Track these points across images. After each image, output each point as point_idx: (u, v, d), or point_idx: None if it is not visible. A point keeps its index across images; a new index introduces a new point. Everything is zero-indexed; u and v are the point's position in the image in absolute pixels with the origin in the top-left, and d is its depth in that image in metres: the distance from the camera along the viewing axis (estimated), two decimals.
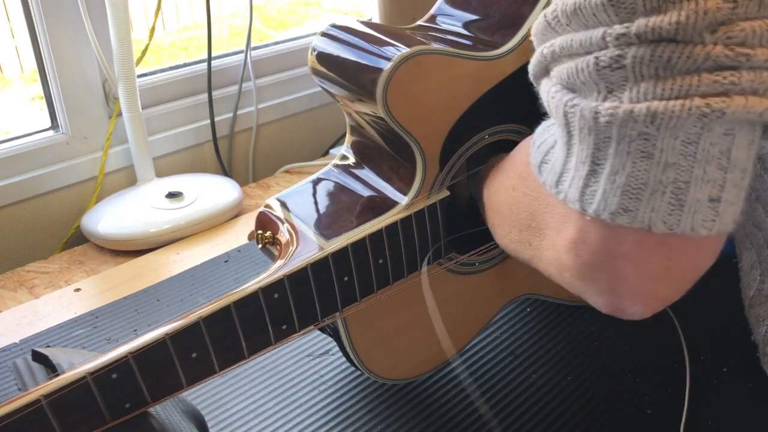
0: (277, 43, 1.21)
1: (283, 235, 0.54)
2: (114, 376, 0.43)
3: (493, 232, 0.52)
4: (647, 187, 0.34)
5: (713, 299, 0.71)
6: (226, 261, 0.83)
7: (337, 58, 0.54)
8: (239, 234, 0.91)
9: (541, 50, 0.38)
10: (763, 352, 0.57)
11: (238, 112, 1.13)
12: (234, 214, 0.96)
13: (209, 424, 0.56)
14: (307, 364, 0.65)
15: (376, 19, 1.00)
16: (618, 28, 0.33)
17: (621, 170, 0.35)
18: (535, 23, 0.39)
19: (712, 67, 0.32)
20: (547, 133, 0.42)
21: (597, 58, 0.34)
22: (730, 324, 0.67)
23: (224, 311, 0.46)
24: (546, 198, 0.42)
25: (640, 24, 0.32)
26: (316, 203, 0.57)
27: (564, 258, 0.40)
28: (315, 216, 0.55)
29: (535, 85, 0.41)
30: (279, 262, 0.50)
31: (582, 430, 0.57)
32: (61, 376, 0.41)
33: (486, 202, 0.53)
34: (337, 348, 0.67)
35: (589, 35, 0.34)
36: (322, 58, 0.55)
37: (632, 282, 0.37)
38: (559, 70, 0.37)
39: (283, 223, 0.55)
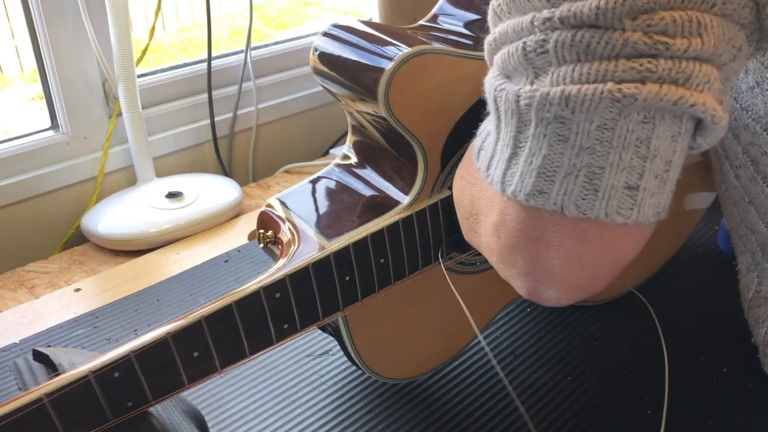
0: (277, 43, 1.21)
1: (285, 235, 0.54)
2: (116, 374, 0.43)
3: (460, 224, 0.53)
4: (561, 169, 0.34)
5: (713, 300, 0.71)
6: (226, 261, 0.83)
7: (339, 57, 0.54)
8: (239, 234, 0.91)
9: (488, 39, 0.38)
10: (764, 353, 0.57)
11: (238, 112, 1.13)
12: (234, 214, 0.96)
13: (209, 424, 0.56)
14: (307, 364, 0.65)
15: (376, 19, 1.00)
16: (545, 13, 0.33)
17: (537, 152, 0.35)
18: (488, 14, 0.39)
19: (630, 54, 0.32)
20: (488, 122, 0.43)
21: (525, 42, 0.34)
22: (729, 324, 0.67)
23: (226, 310, 0.46)
24: (481, 183, 0.42)
25: (563, 9, 0.32)
26: (317, 203, 0.57)
27: (490, 241, 0.40)
28: (316, 215, 0.55)
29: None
30: (280, 262, 0.50)
31: (582, 430, 0.57)
32: (63, 375, 0.41)
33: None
34: (338, 348, 0.67)
35: (521, 21, 0.35)
36: (324, 57, 0.55)
37: (546, 266, 0.37)
38: (497, 58, 0.37)
39: (284, 222, 0.55)
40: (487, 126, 0.43)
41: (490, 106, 0.38)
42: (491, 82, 0.37)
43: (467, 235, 0.48)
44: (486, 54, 0.40)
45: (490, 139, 0.40)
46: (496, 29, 0.37)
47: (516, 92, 0.35)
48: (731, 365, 0.62)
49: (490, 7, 0.38)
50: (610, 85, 0.32)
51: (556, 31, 0.33)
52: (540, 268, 0.37)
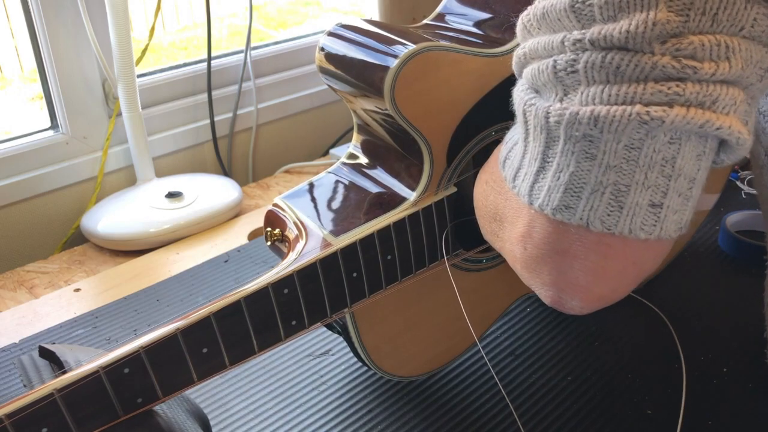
0: (277, 43, 1.21)
1: (292, 232, 0.55)
2: (126, 370, 0.43)
3: (479, 223, 0.53)
4: (588, 186, 0.36)
5: (713, 300, 0.71)
6: (226, 261, 0.83)
7: (345, 56, 0.54)
8: (239, 234, 0.91)
9: (517, 52, 0.40)
10: None
11: (238, 112, 1.13)
12: (234, 214, 0.96)
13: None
14: (307, 364, 0.65)
15: (377, 19, 1.00)
16: (576, 34, 0.34)
17: (565, 168, 0.36)
18: (517, 25, 0.40)
19: (659, 77, 0.32)
20: (514, 131, 0.44)
21: (555, 61, 0.35)
22: (730, 325, 0.68)
23: (235, 306, 0.47)
24: (506, 193, 0.44)
25: (594, 31, 0.33)
26: (324, 201, 0.57)
27: (515, 250, 0.42)
28: (323, 213, 0.55)
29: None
30: (288, 259, 0.51)
31: (582, 430, 0.57)
32: (74, 371, 0.42)
33: (474, 196, 0.54)
34: (338, 348, 0.67)
35: (552, 39, 0.36)
36: (331, 56, 0.56)
37: (571, 277, 0.38)
38: (527, 72, 0.38)
39: (291, 220, 0.56)
40: (513, 135, 0.43)
41: (519, 119, 0.39)
42: (521, 96, 0.38)
43: (488, 237, 0.49)
44: (514, 66, 0.41)
45: (517, 150, 0.41)
46: (526, 44, 0.38)
47: (546, 109, 0.36)
48: (731, 365, 0.62)
49: (520, 19, 0.39)
50: (638, 107, 0.33)
51: (586, 52, 0.34)
52: (565, 280, 0.39)
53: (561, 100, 0.35)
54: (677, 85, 0.32)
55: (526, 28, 0.38)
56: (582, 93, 0.34)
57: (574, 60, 0.34)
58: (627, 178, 0.35)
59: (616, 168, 0.35)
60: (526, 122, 0.38)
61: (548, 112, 0.36)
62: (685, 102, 0.32)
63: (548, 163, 0.37)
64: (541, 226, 0.39)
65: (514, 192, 0.41)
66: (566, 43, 0.35)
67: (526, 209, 0.40)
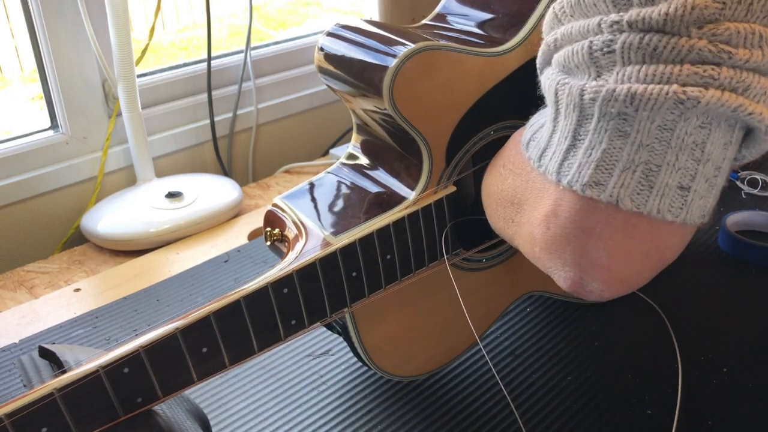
0: (276, 43, 1.21)
1: (291, 232, 0.55)
2: (126, 370, 0.43)
3: (486, 213, 0.53)
4: (619, 163, 0.36)
5: (713, 300, 0.71)
6: (226, 261, 0.83)
7: (345, 55, 0.54)
8: (239, 234, 0.91)
9: (546, 40, 0.40)
10: None
11: (238, 112, 1.13)
12: (234, 214, 0.96)
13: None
14: (307, 364, 0.65)
15: (376, 19, 1.00)
16: (613, 16, 0.35)
17: (598, 145, 0.37)
18: (546, 16, 0.41)
19: (694, 60, 0.33)
20: (539, 115, 0.45)
21: (591, 42, 0.36)
22: (729, 325, 0.68)
23: (234, 306, 0.47)
24: (528, 174, 0.44)
25: (632, 13, 0.34)
26: (323, 200, 0.57)
27: (536, 231, 0.42)
28: (323, 213, 0.55)
29: (539, 75, 0.42)
30: (288, 258, 0.51)
31: (582, 430, 0.57)
32: (74, 371, 0.42)
33: (483, 184, 0.54)
34: (338, 348, 0.67)
35: (587, 22, 0.36)
36: (330, 56, 0.56)
37: (594, 258, 0.39)
38: (558, 56, 0.39)
39: (291, 219, 0.56)
40: (538, 119, 0.44)
41: (549, 99, 0.40)
42: (552, 77, 0.39)
43: (499, 224, 0.49)
44: (540, 56, 0.41)
45: (543, 132, 0.41)
46: (557, 30, 0.39)
47: (581, 87, 0.36)
48: (731, 365, 0.62)
49: (551, 10, 0.40)
50: (675, 87, 0.33)
51: (623, 34, 0.35)
52: (588, 260, 0.39)
53: (595, 80, 0.36)
54: (712, 69, 0.33)
55: (557, 17, 0.39)
56: (618, 73, 0.35)
57: (611, 41, 0.35)
58: (659, 158, 0.35)
59: (648, 147, 0.35)
60: (557, 102, 0.39)
61: (583, 90, 0.36)
62: (719, 86, 0.33)
63: (579, 140, 0.37)
64: (568, 204, 0.39)
65: (540, 171, 0.41)
66: (603, 25, 0.35)
67: (552, 188, 0.40)
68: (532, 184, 0.43)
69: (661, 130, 0.35)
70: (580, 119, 0.37)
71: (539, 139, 0.42)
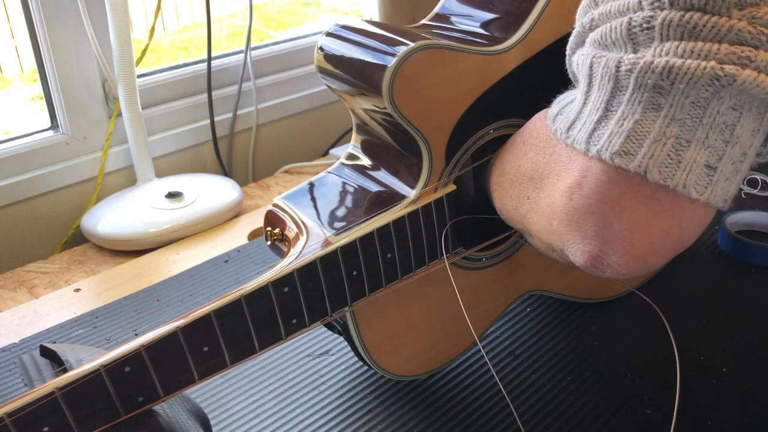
0: (276, 43, 1.21)
1: (292, 231, 0.55)
2: (127, 369, 0.43)
3: (494, 196, 0.53)
4: (650, 135, 0.36)
5: (713, 300, 0.71)
6: (226, 261, 0.83)
7: (344, 55, 0.54)
8: (239, 234, 0.91)
9: (581, 23, 0.41)
10: None
11: (238, 112, 1.13)
12: (234, 214, 0.96)
13: None
14: (307, 364, 0.65)
15: (376, 19, 1.00)
16: None
17: (630, 116, 0.37)
18: (582, 2, 0.41)
19: (733, 40, 0.34)
20: (568, 94, 0.45)
21: (631, 18, 0.36)
22: (729, 325, 0.68)
23: (235, 305, 0.47)
24: (552, 147, 0.44)
25: None
26: (324, 200, 0.57)
27: (556, 203, 0.42)
28: (323, 212, 0.56)
29: (568, 61, 0.43)
30: (288, 257, 0.51)
31: (582, 430, 0.57)
32: (75, 370, 0.42)
33: (493, 166, 0.54)
34: (338, 348, 0.67)
35: (627, 1, 0.37)
36: (330, 56, 0.56)
37: (616, 230, 0.39)
38: (594, 34, 0.39)
39: (291, 219, 0.56)
40: (567, 96, 0.44)
41: (582, 74, 0.40)
42: (588, 52, 0.39)
43: (511, 204, 0.49)
44: (573, 39, 0.42)
45: (573, 105, 0.42)
46: (594, 11, 0.39)
47: (618, 59, 0.37)
48: (731, 365, 0.62)
49: None
50: (713, 63, 0.34)
51: (664, 11, 0.35)
52: (610, 232, 0.39)
53: (633, 53, 0.36)
54: (750, 51, 0.33)
55: (594, 0, 0.39)
56: (656, 48, 0.35)
57: (651, 17, 0.35)
58: (689, 133, 0.36)
59: (680, 122, 0.36)
60: (591, 75, 0.39)
61: (620, 61, 0.36)
62: (756, 67, 0.34)
63: (612, 111, 0.38)
64: (595, 174, 0.39)
65: (569, 142, 0.41)
66: (644, 3, 0.36)
67: (580, 159, 0.40)
68: (557, 157, 0.43)
69: (694, 106, 0.35)
70: (614, 90, 0.37)
71: (568, 112, 0.42)
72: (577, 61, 0.41)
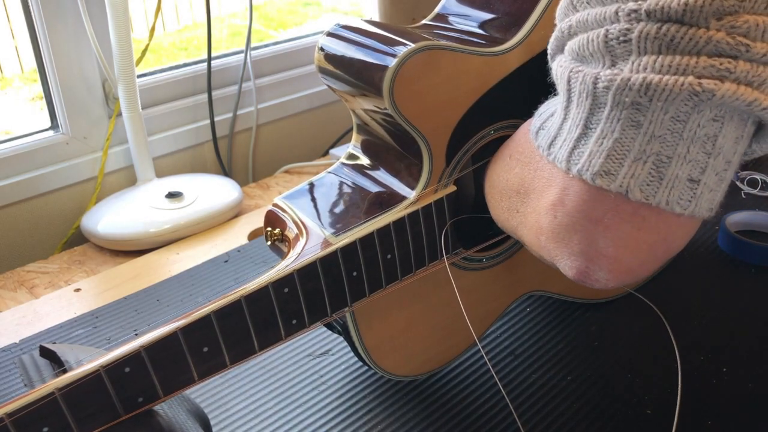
0: (277, 43, 1.21)
1: (292, 232, 0.55)
2: (127, 369, 0.43)
3: (489, 206, 0.53)
4: (630, 153, 0.36)
5: (712, 300, 0.71)
6: (226, 261, 0.83)
7: (345, 55, 0.54)
8: (239, 234, 0.91)
9: (560, 27, 0.40)
10: None
11: (238, 112, 1.13)
12: (234, 214, 0.96)
13: None
14: (307, 364, 0.65)
15: (377, 19, 1.00)
16: (631, 5, 0.35)
17: (609, 135, 0.36)
18: (561, 2, 0.40)
19: (711, 52, 0.33)
20: (549, 104, 0.44)
21: (607, 30, 0.35)
22: (729, 324, 0.68)
23: (235, 305, 0.47)
24: (536, 163, 0.44)
25: (651, 2, 0.34)
26: (324, 200, 0.57)
27: (542, 220, 0.42)
28: (323, 213, 0.56)
29: (549, 63, 0.42)
30: (288, 258, 0.51)
31: (582, 430, 0.57)
32: (74, 370, 0.42)
33: (486, 177, 0.54)
34: (338, 348, 0.67)
35: (604, 10, 0.36)
36: (330, 56, 0.56)
37: (601, 247, 0.39)
38: (572, 44, 0.39)
39: (291, 220, 0.56)
40: (548, 107, 0.44)
41: (561, 87, 0.39)
42: (565, 65, 0.39)
43: (503, 215, 0.49)
44: (552, 42, 0.41)
45: (554, 120, 0.41)
46: (572, 17, 0.38)
47: (595, 75, 0.36)
48: (731, 365, 0.62)
49: None
50: (690, 78, 0.33)
51: (641, 23, 0.34)
52: (595, 250, 0.39)
53: (610, 69, 0.36)
54: (729, 62, 0.33)
55: (573, 3, 0.39)
56: (633, 62, 0.35)
57: (628, 29, 0.34)
58: (670, 149, 0.35)
59: (660, 138, 0.35)
60: (569, 90, 0.38)
61: (597, 78, 0.36)
62: (735, 79, 0.33)
63: (591, 129, 0.37)
64: (576, 193, 0.39)
65: (550, 159, 0.40)
66: (620, 14, 0.35)
67: (560, 176, 0.40)
68: (540, 173, 0.43)
69: (674, 121, 0.35)
70: (592, 108, 0.37)
71: (549, 127, 0.42)
72: (556, 71, 0.40)
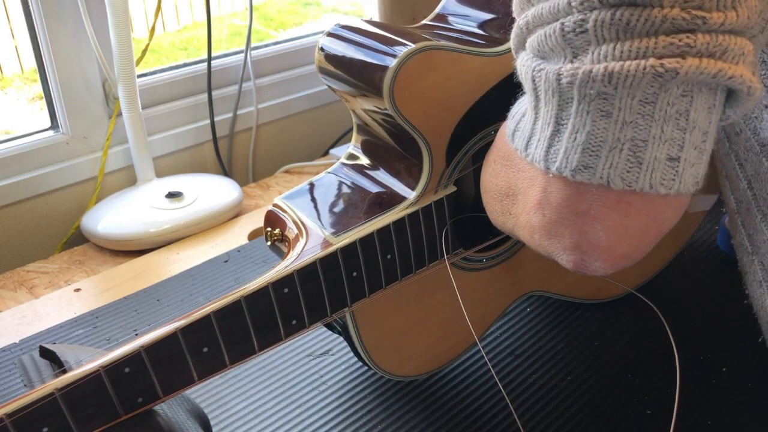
0: (277, 43, 1.21)
1: (292, 232, 0.55)
2: (126, 369, 0.43)
3: (486, 210, 0.53)
4: (606, 144, 0.36)
5: (712, 300, 0.71)
6: (226, 261, 0.83)
7: (345, 55, 0.54)
8: (239, 234, 0.91)
9: (518, 23, 0.39)
10: None
11: (238, 112, 1.13)
12: (234, 214, 0.96)
13: None
14: (307, 364, 0.65)
15: (377, 19, 1.00)
16: None
17: (581, 129, 0.36)
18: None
19: (669, 30, 0.33)
20: (519, 104, 0.44)
21: (563, 23, 0.35)
22: (729, 324, 0.68)
23: (234, 306, 0.47)
24: (518, 164, 0.44)
25: None
26: (324, 200, 0.57)
27: (532, 219, 0.42)
28: (323, 213, 0.56)
29: (514, 59, 0.42)
30: (288, 258, 0.51)
31: (582, 430, 0.57)
32: (74, 370, 0.42)
33: (480, 182, 0.54)
34: (338, 348, 0.67)
35: (556, 2, 0.35)
36: (330, 56, 0.56)
37: (592, 238, 0.39)
38: (531, 40, 0.38)
39: (291, 220, 0.56)
40: (519, 108, 0.43)
41: (527, 87, 0.39)
42: (527, 64, 0.38)
43: (500, 218, 0.49)
44: (513, 39, 0.40)
45: (526, 120, 0.41)
46: (528, 12, 0.38)
47: (557, 71, 0.36)
48: (731, 365, 0.63)
49: None
50: (652, 60, 0.33)
51: (594, 11, 0.34)
52: (587, 241, 0.39)
53: (571, 62, 0.35)
54: (688, 37, 0.32)
55: None
56: (593, 52, 0.34)
57: (583, 20, 0.34)
58: (644, 132, 0.35)
59: (632, 123, 0.35)
60: (535, 89, 0.38)
61: (560, 74, 0.35)
62: (697, 53, 0.33)
63: (562, 125, 0.37)
64: (558, 189, 0.39)
65: (528, 160, 0.40)
66: (573, 4, 0.34)
67: (540, 175, 0.40)
68: (522, 174, 0.43)
69: (643, 104, 0.34)
70: (560, 104, 0.37)
71: (523, 128, 0.41)
72: (520, 70, 0.40)
